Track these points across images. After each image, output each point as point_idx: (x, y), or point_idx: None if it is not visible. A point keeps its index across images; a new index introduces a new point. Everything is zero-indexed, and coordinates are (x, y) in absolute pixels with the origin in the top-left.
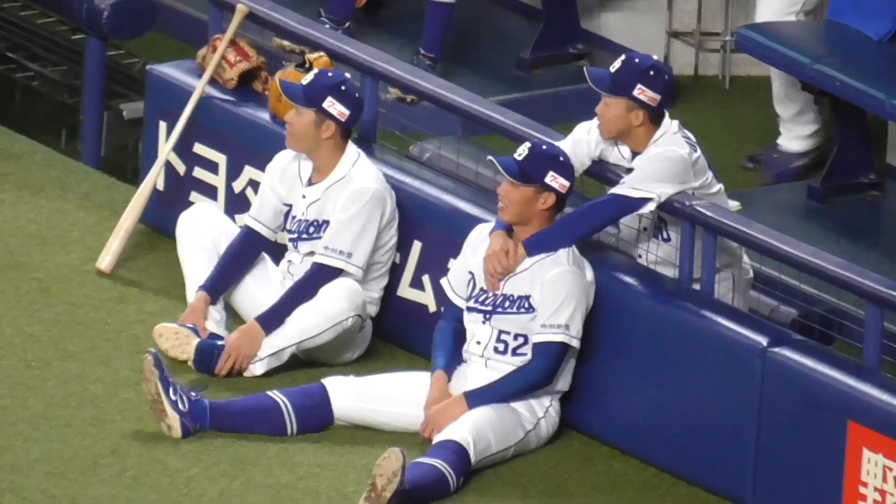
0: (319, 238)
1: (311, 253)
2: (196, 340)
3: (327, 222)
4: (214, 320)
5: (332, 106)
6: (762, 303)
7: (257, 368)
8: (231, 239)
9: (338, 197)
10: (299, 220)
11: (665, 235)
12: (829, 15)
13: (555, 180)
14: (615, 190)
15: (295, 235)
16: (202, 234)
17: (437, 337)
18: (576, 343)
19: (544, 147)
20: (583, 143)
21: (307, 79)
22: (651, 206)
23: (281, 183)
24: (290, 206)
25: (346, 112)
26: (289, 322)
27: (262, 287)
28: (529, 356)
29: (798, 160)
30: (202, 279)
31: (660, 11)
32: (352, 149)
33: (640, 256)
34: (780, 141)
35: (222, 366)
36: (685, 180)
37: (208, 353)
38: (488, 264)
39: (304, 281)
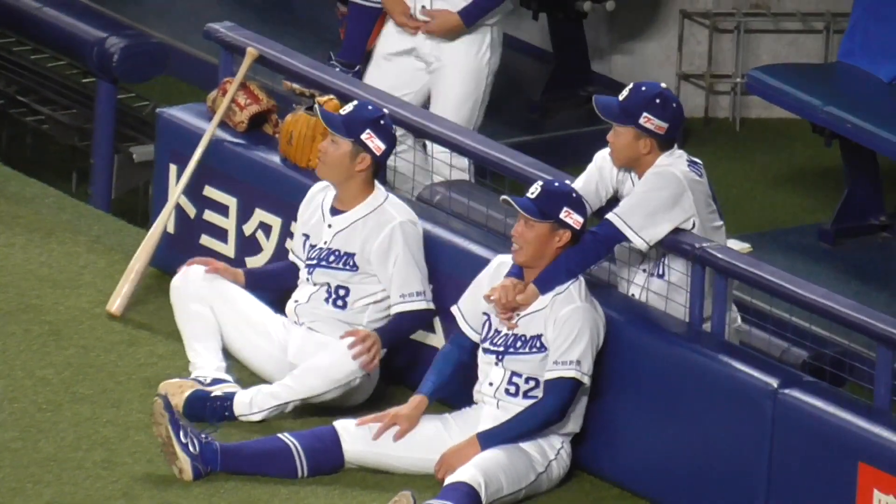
0: (340, 269)
1: (326, 284)
2: (189, 391)
3: (350, 255)
4: (214, 367)
5: (371, 139)
6: (773, 344)
7: (255, 417)
8: (228, 300)
9: (370, 231)
10: (320, 248)
11: (660, 271)
12: (839, 57)
13: (569, 216)
14: (608, 215)
15: (314, 262)
16: (194, 300)
17: (438, 360)
18: (587, 380)
19: (556, 184)
20: (605, 170)
21: (347, 109)
22: (639, 246)
23: (305, 211)
24: (307, 237)
25: (383, 146)
26: (296, 378)
27: (260, 334)
28: (541, 398)
29: None
30: (205, 354)
31: (670, 53)
32: (381, 187)
33: (632, 294)
34: None
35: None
36: (680, 202)
37: (199, 404)
38: (494, 294)
39: (396, 329)
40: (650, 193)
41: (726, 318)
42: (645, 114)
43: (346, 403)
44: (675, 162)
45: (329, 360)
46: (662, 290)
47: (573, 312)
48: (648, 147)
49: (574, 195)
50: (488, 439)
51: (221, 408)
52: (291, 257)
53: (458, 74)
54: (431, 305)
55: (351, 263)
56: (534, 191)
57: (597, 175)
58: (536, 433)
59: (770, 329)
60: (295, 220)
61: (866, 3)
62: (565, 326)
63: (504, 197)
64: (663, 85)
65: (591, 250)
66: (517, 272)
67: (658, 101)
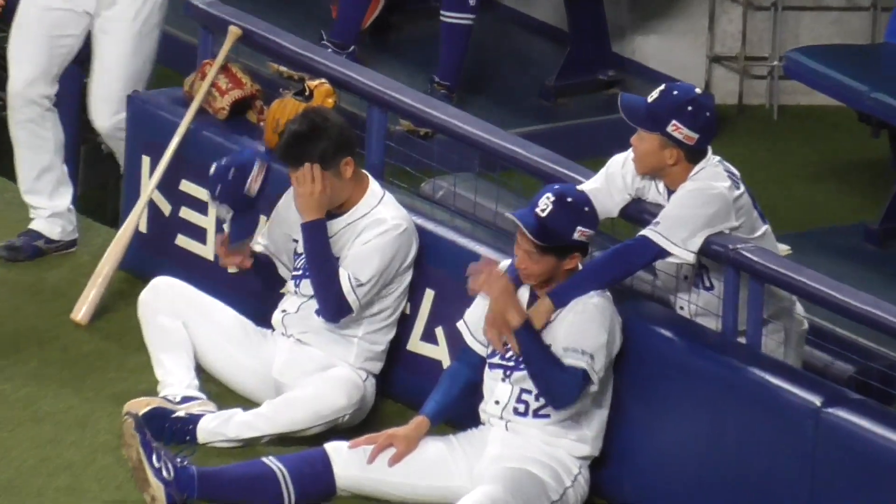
0: None
1: (313, 297)
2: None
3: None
4: (185, 384)
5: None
6: (815, 358)
7: (222, 445)
8: (203, 313)
9: (357, 238)
10: (304, 257)
11: (707, 283)
12: (887, 37)
13: (582, 235)
14: (645, 232)
15: (299, 272)
16: (164, 314)
17: (444, 379)
18: (595, 381)
19: (569, 199)
20: (617, 177)
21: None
22: (685, 260)
23: (290, 208)
24: (295, 242)
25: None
26: (276, 408)
27: (240, 348)
28: (552, 418)
29: None
30: (175, 371)
31: (700, 34)
32: (376, 185)
33: (681, 308)
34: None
35: None
36: (725, 220)
37: (156, 424)
38: (489, 332)
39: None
40: (693, 210)
41: (763, 328)
42: (674, 121)
43: (336, 423)
44: (715, 175)
45: (315, 391)
46: (713, 305)
47: (591, 306)
48: (675, 157)
49: (587, 209)
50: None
51: (182, 431)
52: (258, 248)
53: (124, 29)
54: (350, 299)
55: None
56: (545, 207)
57: (604, 185)
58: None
59: (812, 341)
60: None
61: None
62: (581, 316)
63: (508, 215)
64: (698, 90)
65: (620, 267)
66: (515, 275)
67: (690, 108)
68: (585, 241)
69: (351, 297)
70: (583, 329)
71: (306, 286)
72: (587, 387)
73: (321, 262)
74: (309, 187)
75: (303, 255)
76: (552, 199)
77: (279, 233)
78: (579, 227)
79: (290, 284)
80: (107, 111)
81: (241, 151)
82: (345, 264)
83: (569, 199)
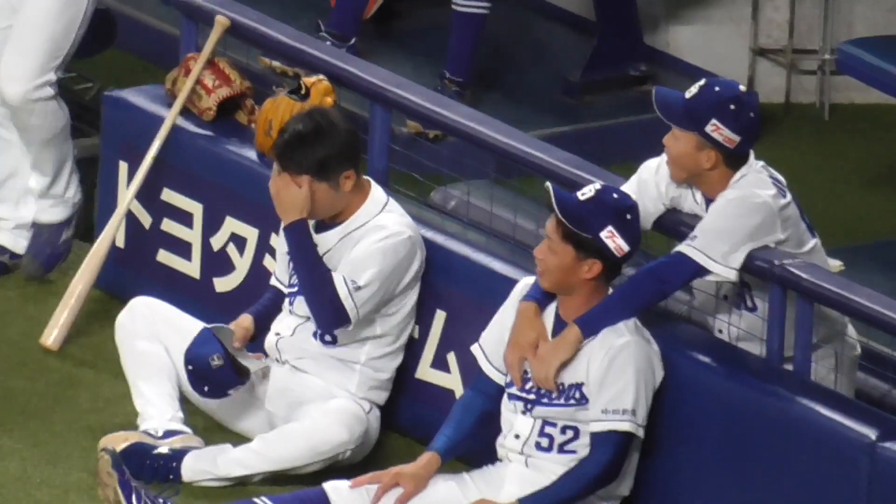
0: None
1: (310, 318)
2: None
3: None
4: (168, 416)
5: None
6: (871, 386)
7: (210, 484)
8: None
9: (357, 244)
10: None
11: (750, 304)
12: None
13: (611, 237)
14: (681, 247)
15: (294, 289)
16: (143, 338)
17: (456, 410)
18: (641, 433)
19: (614, 196)
20: (650, 185)
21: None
22: (726, 278)
23: None
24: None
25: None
26: (270, 444)
27: None
28: (579, 454)
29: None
30: (156, 402)
31: (743, 23)
32: (379, 191)
33: (720, 331)
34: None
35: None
36: (770, 233)
37: (137, 461)
38: (509, 357)
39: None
40: (735, 222)
41: (813, 353)
42: (714, 120)
43: (339, 462)
44: (759, 182)
45: (313, 424)
46: (757, 328)
47: (622, 349)
48: (712, 161)
49: (629, 216)
50: (534, 503)
51: (165, 469)
52: (273, 281)
53: None
54: (348, 306)
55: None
56: (586, 192)
57: (635, 194)
58: (586, 496)
59: (866, 367)
60: (276, 232)
61: None
62: (613, 366)
63: (547, 184)
64: (743, 88)
65: (653, 288)
66: (539, 295)
67: (733, 106)
68: (612, 251)
69: (348, 303)
70: (619, 382)
71: (301, 305)
72: (633, 441)
73: (310, 266)
74: (291, 189)
75: None
76: (598, 188)
77: (282, 254)
78: (610, 227)
79: (285, 303)
80: (21, 73)
81: (199, 344)
82: (339, 269)
83: (614, 196)
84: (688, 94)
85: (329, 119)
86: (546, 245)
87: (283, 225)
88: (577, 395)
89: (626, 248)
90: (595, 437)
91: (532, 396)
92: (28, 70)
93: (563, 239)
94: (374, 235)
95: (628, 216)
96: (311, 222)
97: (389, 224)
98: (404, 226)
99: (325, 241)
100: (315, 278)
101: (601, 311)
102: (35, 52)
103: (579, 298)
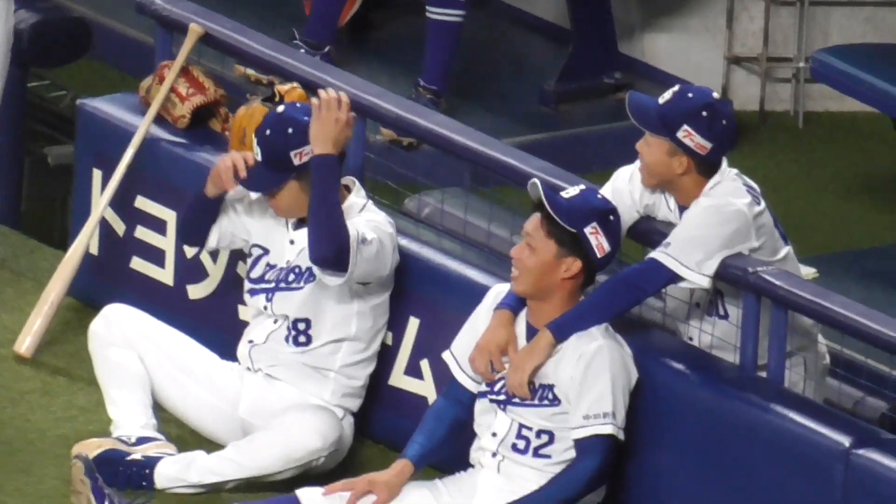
0: (298, 288)
1: (285, 317)
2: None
3: (310, 268)
4: (140, 424)
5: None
6: (844, 394)
7: (183, 492)
8: (161, 345)
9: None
10: (280, 269)
11: (722, 311)
12: None
13: (594, 234)
14: (655, 254)
15: (271, 285)
16: (117, 346)
17: (428, 418)
18: (622, 435)
19: (598, 197)
20: (624, 192)
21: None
22: (699, 285)
23: (249, 213)
24: (264, 250)
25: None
26: (243, 451)
27: (203, 385)
28: (553, 459)
29: None
30: (130, 410)
31: (718, 32)
32: (360, 193)
33: (690, 338)
34: None
35: None
36: (744, 240)
37: (110, 469)
38: (476, 361)
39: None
40: (708, 230)
41: (787, 360)
42: (686, 126)
43: (312, 469)
44: (734, 191)
45: (287, 432)
46: (730, 336)
47: (597, 354)
48: (684, 167)
49: (612, 217)
50: None
51: (138, 476)
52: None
53: None
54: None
55: (308, 274)
56: (571, 192)
57: (615, 200)
58: (577, 500)
59: (841, 375)
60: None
61: None
62: (589, 371)
63: (534, 181)
64: (716, 95)
65: (626, 295)
66: (513, 303)
67: (705, 113)
68: (594, 248)
69: (352, 250)
70: (597, 387)
71: (281, 303)
72: (615, 444)
73: (330, 205)
74: (335, 113)
75: (275, 267)
76: (582, 188)
77: (234, 232)
78: (595, 224)
79: (259, 300)
80: None
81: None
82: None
83: (598, 196)
84: (661, 100)
85: None
86: (525, 244)
87: (314, 154)
88: (550, 395)
89: (607, 247)
90: (579, 444)
91: (503, 397)
92: None
93: (546, 235)
94: (363, 216)
95: (611, 217)
96: (292, 220)
97: (369, 216)
98: (386, 223)
99: (302, 237)
100: (332, 217)
101: (574, 316)
102: None
103: (552, 305)
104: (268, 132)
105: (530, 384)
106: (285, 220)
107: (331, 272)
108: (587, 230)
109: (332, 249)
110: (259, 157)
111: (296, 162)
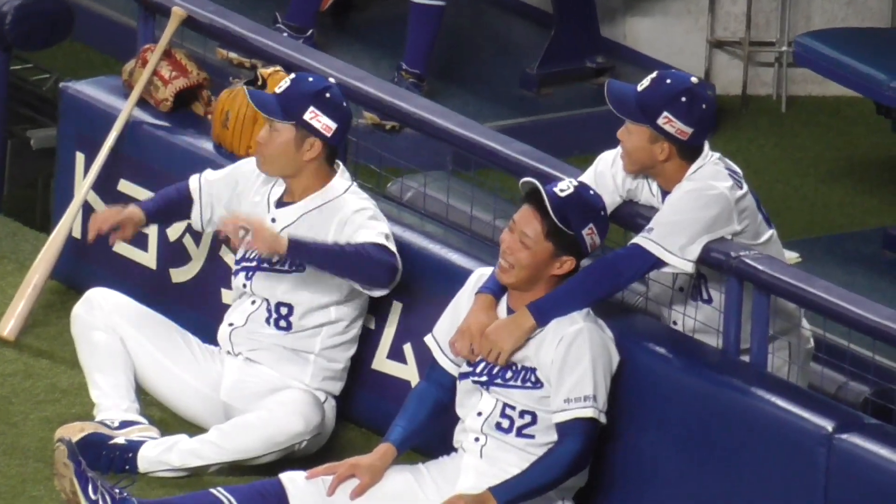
0: (284, 271)
1: (265, 300)
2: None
3: None
4: (123, 407)
5: (316, 118)
6: (827, 378)
7: (165, 475)
8: (143, 328)
9: (321, 225)
10: None
11: (705, 295)
12: None
13: (591, 235)
14: (637, 239)
15: (252, 264)
16: (100, 329)
17: (410, 401)
18: (604, 419)
19: (591, 193)
20: (606, 177)
21: (282, 86)
22: (682, 270)
23: (234, 188)
24: (245, 230)
25: (333, 125)
26: (226, 435)
27: (185, 368)
28: (537, 439)
29: None
30: (112, 393)
31: (700, 15)
32: (345, 175)
33: (675, 323)
34: None
35: None
36: (727, 224)
37: (93, 452)
38: (458, 344)
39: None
40: (691, 214)
41: (769, 345)
42: (665, 113)
43: (293, 450)
44: (715, 174)
45: (269, 415)
46: (713, 320)
47: (577, 336)
48: (666, 153)
49: (603, 213)
50: (505, 492)
51: (121, 459)
52: (193, 185)
53: None
54: (398, 258)
55: (297, 262)
56: (564, 188)
57: (597, 184)
58: (556, 486)
59: (824, 359)
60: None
61: None
62: (570, 354)
63: (529, 179)
64: (695, 79)
65: (609, 280)
66: (495, 287)
67: (684, 98)
68: (588, 248)
69: (391, 250)
70: (578, 370)
71: (260, 282)
72: (597, 427)
73: (334, 257)
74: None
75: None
76: (575, 184)
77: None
78: (591, 225)
79: (240, 279)
80: None
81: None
82: (354, 237)
83: (590, 193)
84: (639, 87)
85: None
86: (518, 241)
87: (283, 253)
88: (533, 378)
89: (598, 243)
90: (561, 427)
91: (485, 378)
92: None
93: (545, 236)
94: (351, 206)
95: (603, 213)
96: (274, 197)
97: (357, 201)
98: (373, 206)
99: (284, 216)
100: (353, 262)
101: (555, 300)
102: None
103: (534, 294)
104: (307, 80)
105: (511, 364)
106: (267, 199)
107: (392, 280)
108: (584, 232)
109: (383, 273)
110: (281, 90)
111: (307, 118)
